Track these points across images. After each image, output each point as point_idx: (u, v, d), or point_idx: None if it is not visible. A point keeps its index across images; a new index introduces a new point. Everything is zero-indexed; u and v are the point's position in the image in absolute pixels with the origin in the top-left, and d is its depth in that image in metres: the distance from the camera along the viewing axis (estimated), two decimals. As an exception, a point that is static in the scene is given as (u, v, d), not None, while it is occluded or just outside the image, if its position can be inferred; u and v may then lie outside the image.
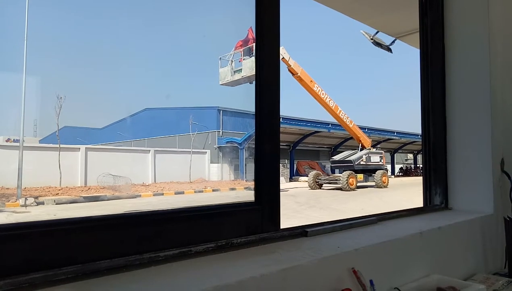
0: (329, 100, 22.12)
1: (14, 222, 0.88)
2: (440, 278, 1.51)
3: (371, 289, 1.23)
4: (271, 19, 1.45)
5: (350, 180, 20.97)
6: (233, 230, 1.29)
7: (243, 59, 16.29)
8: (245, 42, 16.26)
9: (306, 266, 1.13)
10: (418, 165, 41.75)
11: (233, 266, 1.08)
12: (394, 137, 36.25)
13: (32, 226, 0.89)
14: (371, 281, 1.25)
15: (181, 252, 1.12)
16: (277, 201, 1.45)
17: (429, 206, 2.33)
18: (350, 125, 23.86)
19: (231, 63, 16.73)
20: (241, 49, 16.23)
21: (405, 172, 38.58)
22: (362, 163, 23.50)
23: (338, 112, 22.71)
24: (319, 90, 21.49)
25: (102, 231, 1.00)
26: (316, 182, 22.10)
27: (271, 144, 1.43)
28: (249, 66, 15.65)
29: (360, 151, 24.37)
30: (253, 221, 1.35)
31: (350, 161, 23.42)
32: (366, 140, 24.88)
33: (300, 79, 20.54)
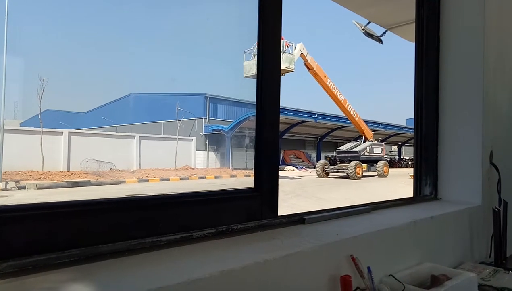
0: (339, 94, 23.45)
1: (16, 203, 0.85)
2: (432, 266, 1.55)
3: (369, 276, 1.25)
4: (273, 10, 1.44)
5: (357, 169, 22.33)
6: (233, 216, 1.29)
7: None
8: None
9: (308, 252, 1.14)
10: (402, 157, 42.42)
11: (235, 252, 1.08)
12: (380, 129, 36.67)
13: (35, 208, 0.87)
14: (368, 268, 1.27)
15: (182, 236, 1.11)
16: (275, 188, 1.45)
17: (419, 196, 2.37)
18: (356, 118, 25.18)
19: (254, 57, 17.26)
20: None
21: (389, 163, 39.20)
22: (366, 153, 24.86)
23: (346, 105, 23.99)
24: (331, 84, 22.84)
25: (105, 214, 0.98)
26: (324, 170, 23.32)
27: (272, 132, 1.43)
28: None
29: (364, 142, 25.67)
30: (252, 208, 1.36)
31: (356, 152, 24.73)
32: (369, 133, 26.25)
33: (315, 74, 21.77)
